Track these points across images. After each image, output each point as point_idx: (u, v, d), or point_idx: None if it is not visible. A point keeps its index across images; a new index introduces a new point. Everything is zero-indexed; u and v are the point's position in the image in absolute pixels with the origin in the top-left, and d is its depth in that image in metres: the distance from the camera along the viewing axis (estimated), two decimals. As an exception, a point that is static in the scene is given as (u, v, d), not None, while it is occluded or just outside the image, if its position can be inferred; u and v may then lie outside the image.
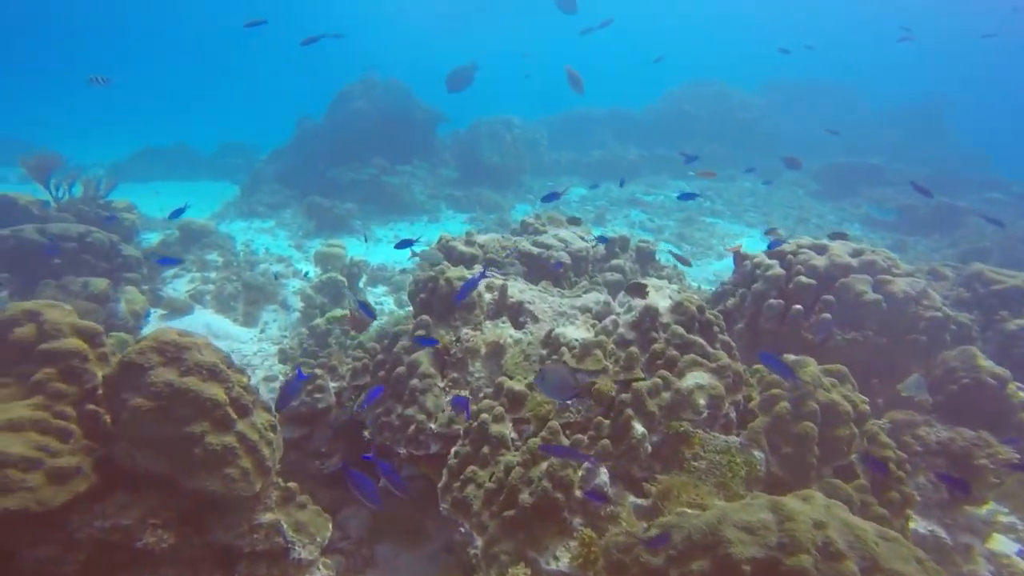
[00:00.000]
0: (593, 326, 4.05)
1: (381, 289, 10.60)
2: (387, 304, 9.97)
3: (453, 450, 3.55)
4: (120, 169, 18.79)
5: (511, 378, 3.82)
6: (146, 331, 7.15)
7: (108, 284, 6.62)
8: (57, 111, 29.80)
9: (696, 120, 20.81)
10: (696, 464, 3.03)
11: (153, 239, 11.48)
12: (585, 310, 4.30)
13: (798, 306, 4.61)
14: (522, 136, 18.20)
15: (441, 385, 3.95)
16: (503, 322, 4.24)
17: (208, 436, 2.55)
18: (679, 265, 7.27)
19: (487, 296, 4.36)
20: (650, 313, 3.63)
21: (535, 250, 5.96)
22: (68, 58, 44.62)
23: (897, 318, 4.57)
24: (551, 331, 3.91)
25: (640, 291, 3.97)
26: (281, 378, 6.81)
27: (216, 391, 2.62)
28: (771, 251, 5.20)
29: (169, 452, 2.52)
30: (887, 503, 3.23)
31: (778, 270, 4.86)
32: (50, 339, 2.53)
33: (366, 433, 4.05)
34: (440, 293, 4.15)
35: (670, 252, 8.07)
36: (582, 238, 6.78)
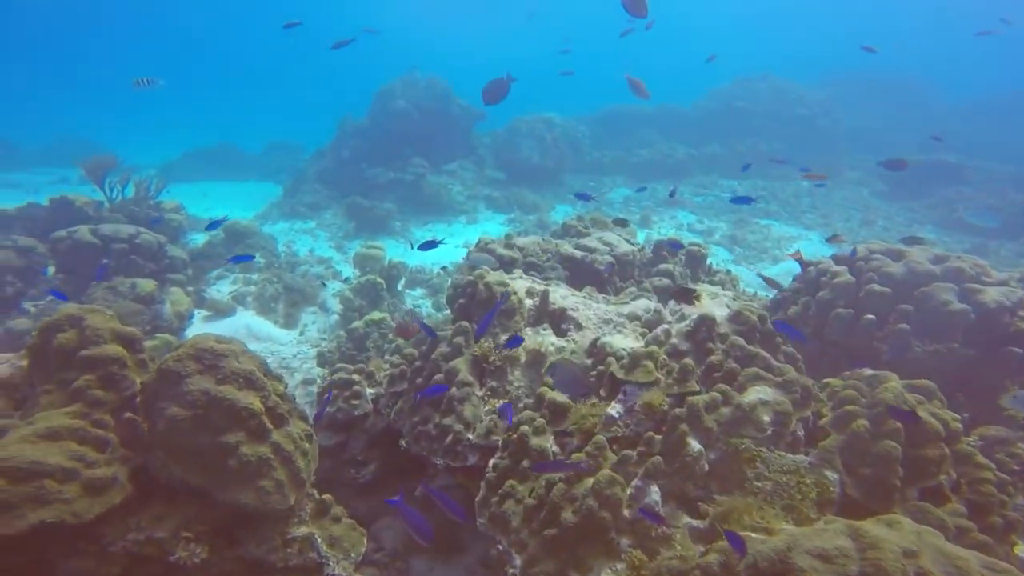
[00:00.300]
0: (642, 335, 3.85)
1: (419, 291, 10.63)
2: (425, 307, 9.97)
3: (492, 462, 3.43)
4: (171, 169, 19.63)
5: (553, 388, 3.68)
6: (190, 332, 7.35)
7: (155, 286, 6.83)
8: (115, 112, 31.46)
9: (749, 116, 20.07)
10: (760, 484, 2.80)
11: (199, 240, 11.88)
12: (633, 318, 4.11)
13: (870, 316, 4.28)
14: (563, 135, 17.99)
15: (479, 394, 3.84)
16: (544, 329, 4.09)
17: (243, 447, 2.51)
18: (744, 274, 6.93)
19: (527, 302, 4.22)
20: (706, 323, 3.41)
21: (577, 253, 5.79)
22: (124, 60, 47.09)
23: (988, 329, 4.18)
24: (596, 340, 3.74)
25: (688, 296, 3.75)
26: (319, 382, 6.87)
27: (252, 400, 2.58)
28: (838, 257, 4.86)
29: (203, 463, 2.49)
30: (988, 529, 2.92)
31: (847, 277, 4.53)
32: (91, 345, 2.55)
33: (403, 442, 3.98)
34: (479, 298, 4.04)
35: (759, 274, 7.66)
36: (628, 241, 6.56)
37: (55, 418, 2.32)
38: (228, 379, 2.56)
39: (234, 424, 2.51)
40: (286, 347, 7.90)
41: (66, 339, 2.53)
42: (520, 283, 4.41)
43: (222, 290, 8.91)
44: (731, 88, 21.40)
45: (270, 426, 2.62)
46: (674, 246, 6.40)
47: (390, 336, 8.37)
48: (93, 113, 31.19)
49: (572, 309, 4.17)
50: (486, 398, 3.85)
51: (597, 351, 3.69)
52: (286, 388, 3.04)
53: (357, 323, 8.06)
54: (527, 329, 4.08)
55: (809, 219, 14.18)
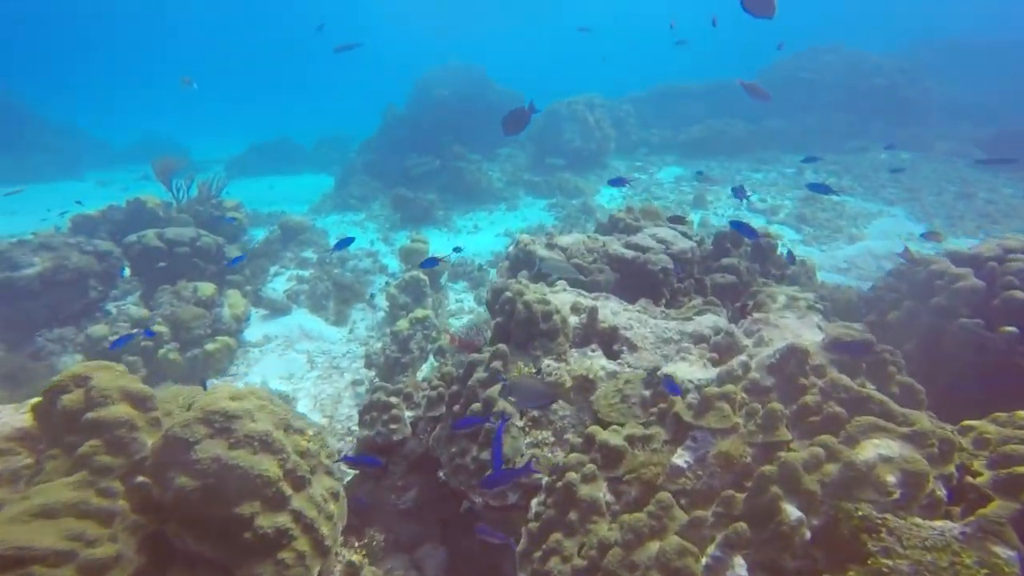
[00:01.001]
0: (711, 361, 3.26)
1: (461, 285, 10.24)
2: (467, 301, 9.58)
3: (533, 508, 2.98)
4: (237, 163, 19.96)
5: (605, 426, 3.17)
6: (249, 333, 7.26)
7: (215, 289, 6.71)
8: (189, 110, 32.42)
9: (816, 88, 18.32)
10: (891, 563, 2.20)
11: (259, 235, 11.90)
12: (699, 339, 3.51)
13: (1011, 328, 3.51)
14: (606, 115, 16.99)
15: (520, 424, 3.38)
16: (593, 351, 3.56)
17: (259, 518, 2.15)
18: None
19: (573, 319, 3.69)
20: (797, 355, 2.79)
21: (628, 253, 5.17)
22: (192, 60, 48.46)
23: None
24: (656, 369, 3.19)
25: (759, 312, 3.12)
26: (367, 384, 6.62)
27: (268, 465, 2.21)
28: (956, 254, 4.04)
29: (218, 535, 2.15)
30: None
31: (974, 281, 3.74)
32: (97, 406, 2.23)
33: (441, 474, 3.59)
34: (518, 318, 3.54)
35: (902, 254, 6.70)
36: (686, 235, 5.87)
37: (53, 491, 2.02)
38: (242, 443, 2.19)
39: (249, 493, 2.15)
40: (336, 346, 7.70)
41: (71, 401, 2.23)
42: (564, 296, 3.88)
43: (277, 288, 8.79)
44: (793, 60, 19.59)
45: (289, 492, 2.25)
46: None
47: (433, 335, 8.06)
48: (172, 111, 32.25)
49: (625, 327, 3.61)
50: (527, 429, 3.39)
51: (657, 382, 3.14)
52: (313, 437, 2.67)
53: (401, 323, 7.76)
54: (573, 351, 3.56)
55: (891, 194, 12.74)
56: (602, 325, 3.59)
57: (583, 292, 3.99)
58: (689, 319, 3.73)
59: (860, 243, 10.72)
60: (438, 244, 12.69)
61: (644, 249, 5.22)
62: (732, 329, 3.32)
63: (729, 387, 2.72)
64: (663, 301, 5.06)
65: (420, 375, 6.73)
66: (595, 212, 13.48)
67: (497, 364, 3.46)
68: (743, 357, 2.92)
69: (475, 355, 3.64)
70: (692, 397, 3.04)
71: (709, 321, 3.65)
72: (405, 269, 10.41)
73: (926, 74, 18.67)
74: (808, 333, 3.19)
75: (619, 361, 3.49)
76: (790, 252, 6.20)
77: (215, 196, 9.75)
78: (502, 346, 3.48)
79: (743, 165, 15.96)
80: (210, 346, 6.23)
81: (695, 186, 14.55)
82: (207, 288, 6.50)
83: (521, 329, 3.54)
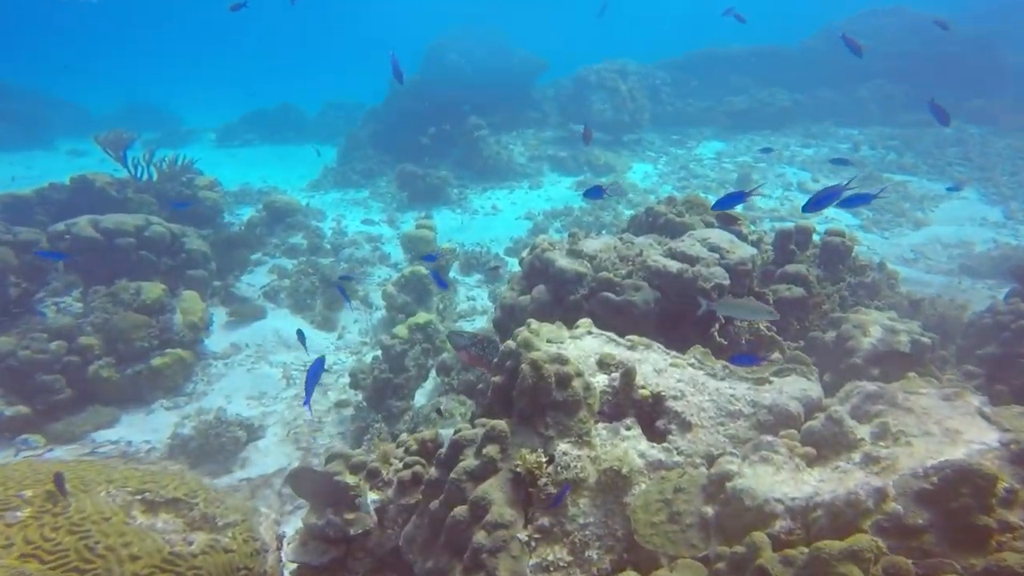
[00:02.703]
0: (806, 459, 2.22)
1: (474, 278, 9.26)
2: (481, 298, 8.61)
3: None
4: (229, 133, 19.08)
5: (648, 545, 2.20)
6: (211, 342, 6.42)
7: (163, 291, 5.85)
8: (177, 76, 31.49)
9: (871, 55, 16.53)
10: None
11: (246, 213, 11.05)
12: (782, 416, 2.47)
13: None
14: (639, 84, 15.55)
15: (523, 537, 2.40)
16: (628, 428, 2.54)
17: None
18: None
19: (599, 379, 2.67)
20: (973, 480, 1.74)
21: (672, 265, 4.09)
22: (183, 24, 47.11)
23: None
24: (726, 475, 2.16)
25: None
26: (354, 406, 5.73)
27: None
28: None
29: None
30: None
31: None
32: None
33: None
34: (523, 384, 2.53)
35: None
36: (742, 237, 4.75)
37: None
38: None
39: None
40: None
41: None
42: (587, 344, 2.85)
43: (255, 283, 7.93)
44: (846, 25, 17.71)
45: None
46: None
47: (438, 341, 7.13)
48: (157, 77, 31.42)
49: (674, 394, 2.58)
50: (533, 542, 2.41)
51: (727, 498, 2.12)
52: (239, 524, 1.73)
53: (399, 329, 6.82)
54: (599, 428, 2.55)
55: (960, 172, 11.25)
56: (641, 392, 2.56)
57: (614, 337, 2.94)
58: (765, 381, 2.68)
59: (927, 229, 9.40)
60: (451, 226, 11.70)
61: (693, 260, 4.13)
62: (840, 416, 2.25)
63: (862, 543, 1.67)
64: (715, 328, 4.00)
65: (416, 402, 5.82)
66: (627, 192, 12.27)
67: (492, 450, 2.48)
68: (875, 481, 1.87)
69: (464, 432, 2.65)
70: (783, 526, 2.03)
71: (795, 388, 2.60)
72: (408, 259, 9.47)
73: (1000, 41, 16.68)
74: (964, 423, 2.13)
75: (665, 446, 2.47)
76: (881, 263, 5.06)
77: (182, 174, 8.83)
78: (499, 424, 2.49)
79: (792, 139, 14.46)
80: (157, 361, 5.40)
81: (739, 162, 13.17)
82: (153, 290, 5.64)
83: (527, 398, 2.53)
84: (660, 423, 2.55)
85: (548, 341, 2.79)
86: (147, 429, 5.19)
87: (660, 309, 4.02)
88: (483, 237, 11.10)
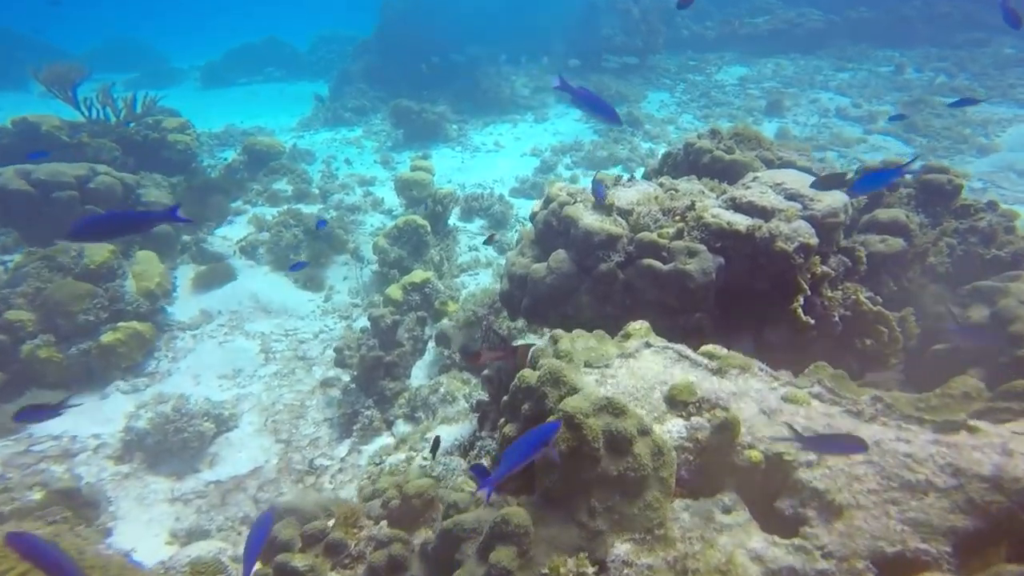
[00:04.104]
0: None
1: (477, 224, 8.05)
2: (485, 248, 7.44)
3: None
4: (213, 71, 17.25)
5: None
6: (177, 309, 5.39)
7: (112, 252, 4.74)
8: (158, 11, 28.75)
9: None
10: None
11: (228, 156, 9.72)
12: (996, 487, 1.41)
13: None
14: (653, 6, 13.51)
15: None
16: (727, 512, 1.51)
17: None
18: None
19: (673, 427, 1.60)
20: None
21: (740, 222, 2.92)
22: None
23: None
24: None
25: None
26: (342, 386, 4.75)
27: None
28: None
29: None
30: None
31: None
32: None
33: None
34: (551, 454, 1.47)
35: None
36: (817, 177, 3.54)
37: None
38: None
39: None
40: (306, 322, 5.80)
41: None
42: (647, 365, 1.76)
43: (231, 236, 6.77)
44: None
45: None
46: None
47: (437, 303, 6.06)
48: (147, 12, 28.68)
49: (805, 457, 1.52)
50: None
51: None
52: None
53: (392, 291, 5.74)
54: (679, 509, 1.52)
55: None
56: (750, 456, 1.50)
57: (687, 353, 1.84)
58: (961, 428, 1.59)
59: (995, 155, 8.02)
60: (450, 166, 10.35)
61: (767, 212, 2.96)
62: None
63: None
64: (799, 303, 2.88)
65: (413, 381, 4.82)
66: (643, 124, 10.76)
67: (504, 556, 1.45)
68: None
69: (462, 519, 1.63)
70: None
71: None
72: (403, 204, 8.26)
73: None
74: None
75: (798, 542, 1.44)
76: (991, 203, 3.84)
77: (145, 115, 7.46)
78: (516, 514, 1.45)
79: (824, 63, 12.62)
80: (108, 336, 4.38)
81: (765, 88, 11.47)
82: (98, 251, 4.55)
83: (561, 474, 1.48)
84: (785, 504, 1.50)
85: (587, 366, 1.71)
86: (99, 419, 4.26)
87: (725, 282, 2.91)
88: (485, 177, 9.79)
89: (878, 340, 3.00)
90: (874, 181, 3.16)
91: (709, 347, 1.82)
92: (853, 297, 3.03)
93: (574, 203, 3.27)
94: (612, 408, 1.48)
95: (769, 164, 3.92)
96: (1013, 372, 2.71)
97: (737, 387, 1.66)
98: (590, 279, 3.09)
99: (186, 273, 5.81)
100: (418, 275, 5.98)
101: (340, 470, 4.07)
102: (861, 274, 3.35)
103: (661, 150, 9.82)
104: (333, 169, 9.84)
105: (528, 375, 1.65)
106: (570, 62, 12.59)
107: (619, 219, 3.09)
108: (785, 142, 4.33)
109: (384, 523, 2.10)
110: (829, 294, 3.03)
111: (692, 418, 1.60)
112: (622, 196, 3.21)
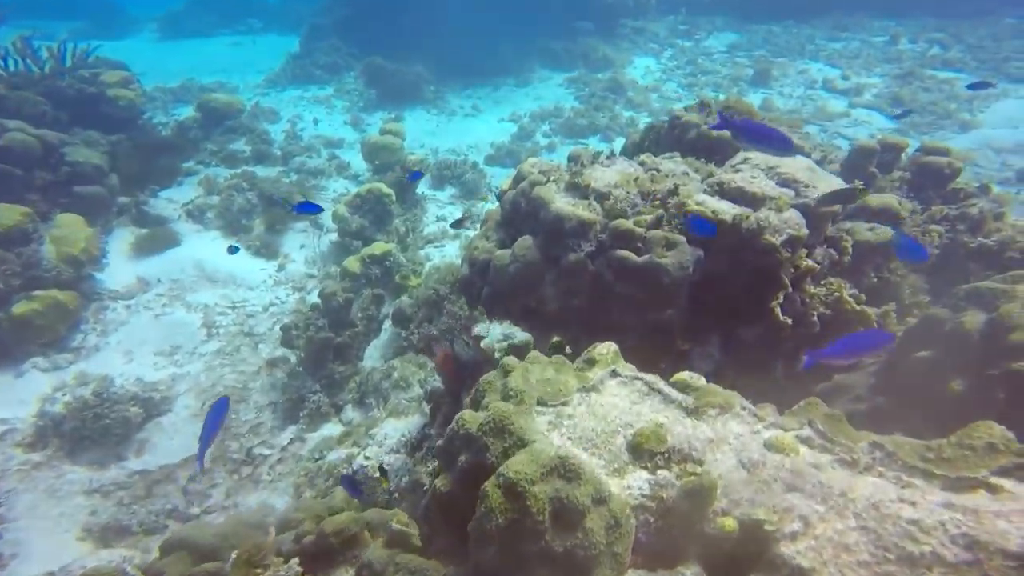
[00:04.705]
0: None
1: (447, 192, 7.55)
2: (453, 217, 6.97)
3: None
4: (175, 21, 15.93)
5: None
6: (109, 275, 4.84)
7: (24, 215, 4.17)
8: None
9: None
10: None
11: (184, 113, 8.92)
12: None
13: None
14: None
15: None
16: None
17: None
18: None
19: (635, 482, 1.26)
20: None
21: (723, 209, 2.54)
22: None
23: None
24: None
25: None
26: (291, 366, 4.34)
27: None
28: None
29: None
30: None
31: None
32: None
33: None
34: (489, 526, 1.11)
35: None
36: (816, 156, 3.17)
37: None
38: None
39: None
40: (256, 292, 5.32)
41: None
42: (611, 402, 1.39)
43: (177, 198, 6.16)
44: None
45: None
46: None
47: (398, 277, 5.61)
48: None
49: (791, 527, 1.20)
50: None
51: None
52: None
53: (350, 263, 5.28)
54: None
55: (1017, 69, 9.36)
56: (723, 524, 1.16)
57: (659, 386, 1.47)
58: (978, 483, 1.28)
59: (976, 132, 7.79)
60: (424, 130, 9.72)
61: (756, 200, 2.58)
62: None
63: None
64: (779, 299, 2.55)
65: (367, 363, 4.43)
66: (627, 91, 10.20)
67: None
68: None
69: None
70: None
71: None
72: (370, 170, 7.68)
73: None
74: None
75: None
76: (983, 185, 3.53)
77: (77, 67, 6.64)
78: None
79: (817, 32, 12.11)
80: (22, 307, 3.87)
81: (754, 57, 10.95)
82: (7, 214, 3.98)
83: (498, 547, 1.13)
84: (758, 588, 1.18)
85: (541, 404, 1.34)
86: (11, 400, 3.80)
87: (702, 276, 2.56)
88: (460, 142, 9.23)
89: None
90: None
91: (684, 376, 1.47)
92: (836, 295, 2.72)
93: (546, 183, 2.85)
94: (565, 471, 1.12)
95: (761, 143, 3.53)
96: (1000, 386, 2.46)
97: (714, 432, 1.32)
98: (557, 270, 2.72)
99: (123, 238, 5.23)
100: (379, 247, 5.52)
101: (280, 460, 3.72)
102: (845, 265, 3.04)
103: (643, 119, 9.34)
104: (298, 129, 9.14)
105: (469, 419, 1.28)
106: (581, 24, 11.80)
107: (594, 204, 2.68)
108: (776, 116, 3.93)
109: (295, 561, 1.75)
110: (811, 291, 2.71)
111: (659, 472, 1.26)
112: (600, 177, 2.80)
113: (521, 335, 2.54)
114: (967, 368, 2.49)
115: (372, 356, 4.66)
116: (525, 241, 2.79)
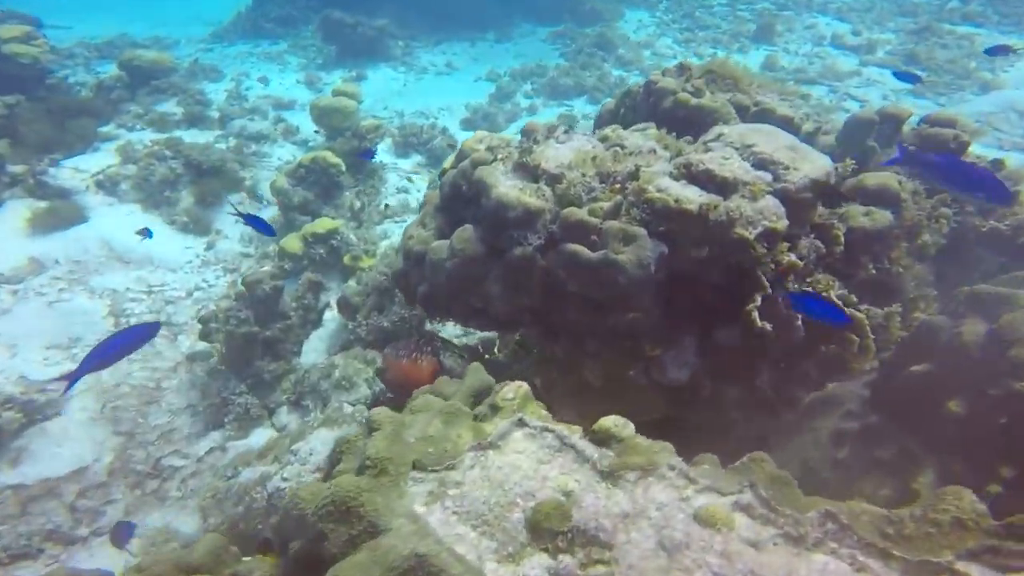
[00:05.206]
0: None
1: (412, 160, 7.20)
2: (417, 190, 6.66)
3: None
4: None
5: None
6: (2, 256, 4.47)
7: None
8: None
9: None
10: None
11: (107, 70, 8.38)
12: None
13: None
14: None
15: None
16: None
17: None
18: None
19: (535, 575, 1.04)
20: None
21: (689, 198, 2.29)
22: None
23: None
24: None
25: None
26: (213, 363, 4.06)
27: None
28: None
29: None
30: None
31: None
32: None
33: None
34: None
35: None
36: (798, 131, 2.94)
37: None
38: None
39: None
40: (178, 276, 4.99)
41: None
42: (513, 462, 1.16)
43: (85, 168, 5.72)
44: None
45: None
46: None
47: (347, 260, 5.29)
48: None
49: None
50: None
51: None
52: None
53: (289, 242, 4.96)
54: None
55: None
56: None
57: (572, 441, 1.23)
58: (942, 569, 1.08)
59: (997, 93, 7.60)
60: (390, 89, 9.29)
61: (727, 186, 2.34)
62: None
63: None
64: (756, 303, 2.35)
65: (306, 358, 4.15)
66: (617, 48, 9.81)
67: None
68: None
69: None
70: None
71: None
72: (322, 135, 7.27)
73: None
74: None
75: None
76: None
77: None
78: None
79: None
80: None
81: (757, 10, 10.58)
82: None
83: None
84: None
85: (418, 469, 1.10)
86: None
87: (666, 275, 2.33)
88: (431, 103, 8.85)
89: (845, 349, 2.52)
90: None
91: (608, 424, 1.24)
92: (824, 296, 2.51)
93: (492, 161, 2.57)
94: (425, 571, 0.89)
95: (743, 112, 3.26)
96: (1005, 409, 2.29)
97: (632, 502, 1.10)
98: (502, 264, 2.47)
99: (17, 212, 4.85)
100: (324, 223, 5.21)
101: (194, 473, 3.48)
102: (836, 256, 2.83)
103: (634, 78, 9.00)
104: (243, 89, 8.67)
105: (305, 497, 1.04)
106: None
107: (544, 188, 2.42)
108: (767, 82, 3.66)
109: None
110: (794, 289, 2.49)
111: (560, 556, 1.04)
112: (552, 156, 2.52)
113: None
114: (966, 386, 2.32)
115: (317, 349, 4.40)
116: (465, 232, 2.52)
